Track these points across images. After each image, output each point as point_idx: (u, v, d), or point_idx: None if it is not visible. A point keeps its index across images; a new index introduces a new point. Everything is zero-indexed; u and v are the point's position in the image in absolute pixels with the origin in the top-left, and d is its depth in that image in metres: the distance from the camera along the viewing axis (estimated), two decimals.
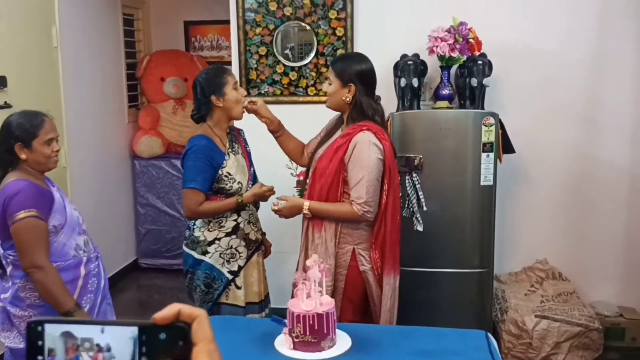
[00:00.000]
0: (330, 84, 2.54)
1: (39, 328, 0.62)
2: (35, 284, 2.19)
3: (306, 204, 2.50)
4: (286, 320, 2.06)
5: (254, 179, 2.76)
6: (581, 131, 3.54)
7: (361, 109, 2.49)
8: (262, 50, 3.68)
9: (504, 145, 3.18)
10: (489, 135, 3.08)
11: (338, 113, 2.66)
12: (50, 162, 2.29)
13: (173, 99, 4.94)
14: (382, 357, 1.97)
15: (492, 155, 3.10)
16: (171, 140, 4.90)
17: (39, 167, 2.29)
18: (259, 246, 2.80)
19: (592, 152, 3.54)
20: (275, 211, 2.56)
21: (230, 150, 2.66)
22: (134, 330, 0.62)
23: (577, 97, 3.51)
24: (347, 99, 2.50)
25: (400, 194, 3.13)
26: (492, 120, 3.08)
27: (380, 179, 2.46)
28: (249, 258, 2.72)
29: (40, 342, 0.61)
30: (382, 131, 2.50)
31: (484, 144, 3.09)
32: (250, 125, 2.85)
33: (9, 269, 2.28)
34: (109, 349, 0.62)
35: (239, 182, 2.64)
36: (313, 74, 3.67)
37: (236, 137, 2.76)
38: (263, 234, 2.87)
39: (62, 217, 2.29)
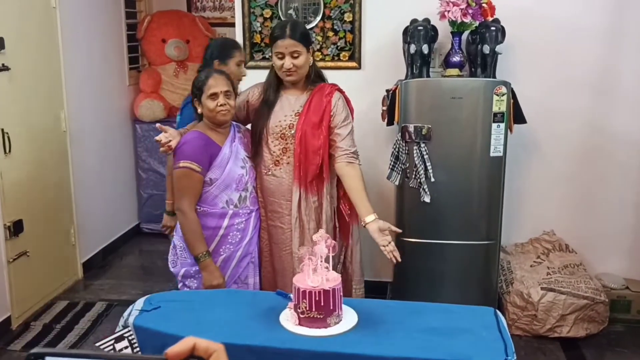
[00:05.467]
0: (297, 56, 2.46)
1: None
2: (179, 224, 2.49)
3: (370, 217, 2.44)
4: (292, 295, 2.02)
5: None
6: (594, 102, 3.44)
7: (318, 70, 2.62)
8: (267, 12, 3.56)
9: (515, 115, 3.09)
10: (500, 104, 2.99)
11: (257, 84, 2.66)
12: (216, 115, 2.43)
13: (175, 61, 4.83)
14: (389, 334, 1.94)
15: (502, 125, 3.02)
16: (173, 104, 4.81)
17: (210, 120, 2.47)
18: None
19: (604, 124, 3.45)
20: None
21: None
22: None
23: (591, 67, 3.40)
24: (310, 62, 2.55)
25: (408, 164, 3.08)
26: (504, 90, 2.98)
27: None
28: None
29: None
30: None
31: (495, 114, 3.01)
32: None
33: None
34: None
35: None
36: (319, 37, 3.55)
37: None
38: None
39: (219, 173, 2.45)
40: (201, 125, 2.52)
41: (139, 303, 2.15)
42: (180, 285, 2.60)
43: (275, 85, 2.58)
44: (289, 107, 2.56)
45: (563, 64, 3.40)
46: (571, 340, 3.25)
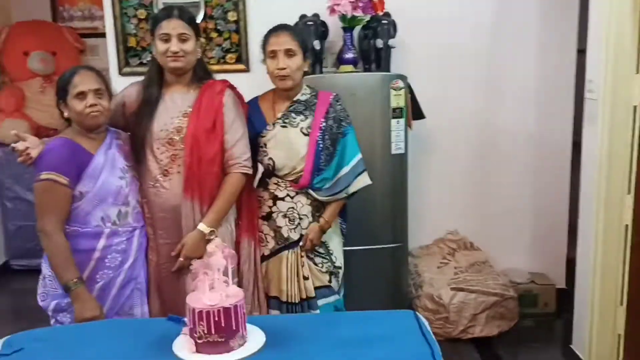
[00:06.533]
0: (185, 39, 2.17)
1: None
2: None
3: (203, 227, 2.18)
4: (186, 319, 1.71)
5: None
6: (486, 97, 3.43)
7: (204, 65, 2.35)
8: (142, 13, 3.24)
9: (414, 111, 2.98)
10: (398, 100, 2.87)
11: (134, 83, 2.35)
12: (85, 118, 2.11)
13: (40, 75, 4.35)
14: (302, 353, 1.68)
15: (402, 121, 2.90)
16: (40, 123, 4.30)
17: (80, 124, 2.14)
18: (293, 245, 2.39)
19: (497, 119, 3.45)
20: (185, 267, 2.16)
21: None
22: None
23: (480, 61, 3.39)
24: (198, 54, 2.27)
25: None
26: (400, 84, 2.87)
27: None
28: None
29: None
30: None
31: (394, 109, 2.88)
32: None
33: None
34: None
35: None
36: (202, 39, 3.27)
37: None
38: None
39: (90, 184, 2.11)
40: (69, 131, 2.17)
41: None
42: (52, 321, 2.20)
43: (158, 82, 2.26)
44: (175, 107, 2.23)
45: (454, 58, 3.36)
46: (485, 340, 3.15)
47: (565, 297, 3.38)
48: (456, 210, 3.55)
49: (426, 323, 1.84)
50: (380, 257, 3.03)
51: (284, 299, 2.36)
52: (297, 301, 2.35)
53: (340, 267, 2.45)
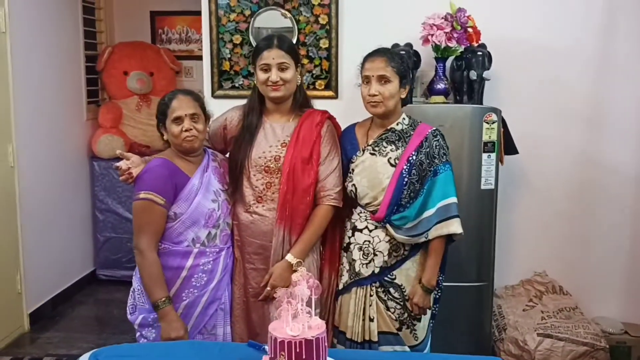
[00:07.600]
0: (284, 69, 2.19)
1: None
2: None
3: (290, 257, 2.19)
4: (266, 346, 1.70)
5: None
6: (585, 133, 3.27)
7: (304, 92, 2.35)
8: (237, 38, 3.32)
9: (506, 145, 2.88)
10: (490, 133, 2.78)
11: (236, 107, 2.37)
12: (180, 142, 2.16)
13: (137, 94, 4.56)
14: None
15: (493, 155, 2.80)
16: (134, 139, 4.49)
17: (176, 147, 2.20)
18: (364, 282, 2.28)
19: (596, 157, 3.27)
20: (271, 296, 2.14)
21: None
22: None
23: (581, 96, 3.24)
24: (299, 81, 2.28)
25: None
26: (494, 117, 2.77)
27: None
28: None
29: None
30: None
31: (485, 143, 2.79)
32: None
33: None
34: None
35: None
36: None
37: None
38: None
39: (185, 207, 2.16)
40: (169, 153, 2.24)
41: None
42: (137, 335, 2.25)
43: (258, 109, 2.29)
44: (274, 136, 2.26)
45: (552, 92, 3.23)
46: None
47: None
48: (546, 251, 3.37)
49: None
50: (464, 295, 2.92)
51: (349, 335, 2.28)
52: (359, 340, 2.26)
53: (417, 319, 2.25)
